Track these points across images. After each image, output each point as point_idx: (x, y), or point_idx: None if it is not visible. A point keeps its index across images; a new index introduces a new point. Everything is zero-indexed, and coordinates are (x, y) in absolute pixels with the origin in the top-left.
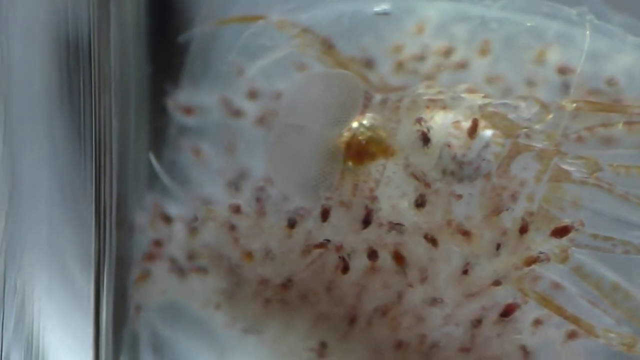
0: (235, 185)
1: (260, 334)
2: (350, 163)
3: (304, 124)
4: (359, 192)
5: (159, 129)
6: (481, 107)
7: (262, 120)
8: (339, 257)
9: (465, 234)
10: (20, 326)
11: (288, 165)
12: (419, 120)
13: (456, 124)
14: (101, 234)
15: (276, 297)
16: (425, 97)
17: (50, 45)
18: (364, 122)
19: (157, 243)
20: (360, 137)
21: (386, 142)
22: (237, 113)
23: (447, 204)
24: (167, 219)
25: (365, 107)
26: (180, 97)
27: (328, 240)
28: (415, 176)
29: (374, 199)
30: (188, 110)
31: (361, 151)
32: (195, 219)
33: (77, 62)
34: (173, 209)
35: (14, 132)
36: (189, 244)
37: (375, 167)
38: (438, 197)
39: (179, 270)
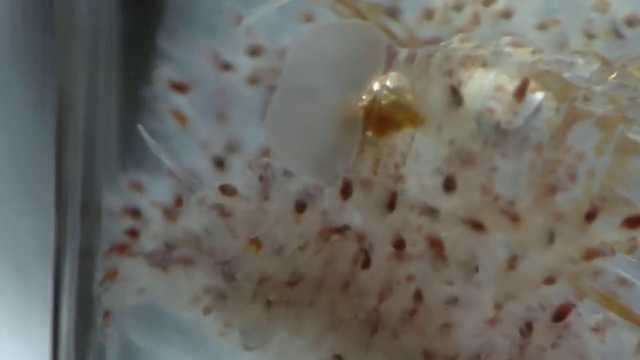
0: (227, 160)
1: (262, 346)
2: (370, 133)
3: (313, 86)
4: (381, 169)
5: (134, 91)
6: (530, 65)
7: (257, 79)
8: (360, 249)
9: (514, 218)
10: None
11: (294, 137)
12: (449, 72)
13: (499, 84)
14: (63, 220)
15: (280, 297)
16: (461, 53)
17: None
18: (387, 83)
19: (132, 232)
20: (382, 102)
21: (414, 107)
22: (228, 67)
23: (488, 183)
24: (145, 202)
25: (389, 65)
26: (169, 70)
27: (347, 227)
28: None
29: (399, 177)
30: (181, 87)
31: (384, 119)
32: (178, 201)
33: (35, 13)
34: (152, 190)
35: None
36: (172, 232)
37: (401, 138)
38: (476, 174)
39: (159, 265)
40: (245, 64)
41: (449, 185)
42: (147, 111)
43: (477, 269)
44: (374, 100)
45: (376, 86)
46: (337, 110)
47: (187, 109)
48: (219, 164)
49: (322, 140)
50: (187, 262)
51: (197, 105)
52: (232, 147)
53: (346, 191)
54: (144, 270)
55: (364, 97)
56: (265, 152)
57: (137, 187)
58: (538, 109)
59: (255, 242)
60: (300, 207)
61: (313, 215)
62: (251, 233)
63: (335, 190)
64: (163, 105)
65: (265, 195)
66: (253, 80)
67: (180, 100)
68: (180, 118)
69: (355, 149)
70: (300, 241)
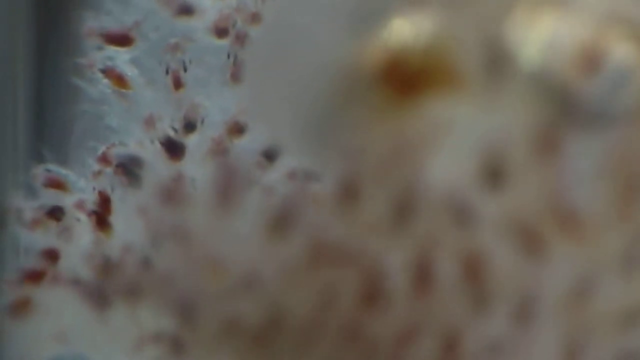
0: (183, 143)
1: None
2: (388, 100)
3: (303, 30)
4: (402, 154)
5: (51, 43)
6: (615, 11)
7: (226, 28)
8: (370, 278)
9: (580, 228)
10: None
11: (277, 103)
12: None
13: (571, 37)
14: None
15: (257, 348)
16: None
17: None
18: (414, 26)
19: (49, 253)
20: (407, 54)
21: (454, 63)
22: (187, 10)
23: (551, 178)
24: (66, 210)
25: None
26: (101, 14)
27: (351, 244)
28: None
29: (427, 165)
30: (119, 38)
31: (409, 79)
32: (103, 206)
33: None
34: (80, 189)
35: None
36: (104, 252)
37: (433, 108)
38: (533, 164)
39: (90, 298)
40: (210, 7)
41: (496, 177)
42: (71, 72)
43: (533, 301)
44: (396, 51)
45: (397, 29)
46: (338, 61)
47: (128, 68)
48: (172, 147)
49: (316, 109)
50: (131, 293)
51: (143, 64)
52: (190, 124)
53: (350, 188)
54: (68, 304)
55: (377, 44)
56: (236, 130)
57: (58, 185)
58: (624, 74)
59: (219, 268)
60: (284, 214)
61: (301, 227)
62: (213, 254)
63: (333, 185)
64: (93, 63)
65: (233, 197)
66: (221, 30)
67: (119, 57)
68: (119, 81)
69: (364, 122)
70: (283, 266)
